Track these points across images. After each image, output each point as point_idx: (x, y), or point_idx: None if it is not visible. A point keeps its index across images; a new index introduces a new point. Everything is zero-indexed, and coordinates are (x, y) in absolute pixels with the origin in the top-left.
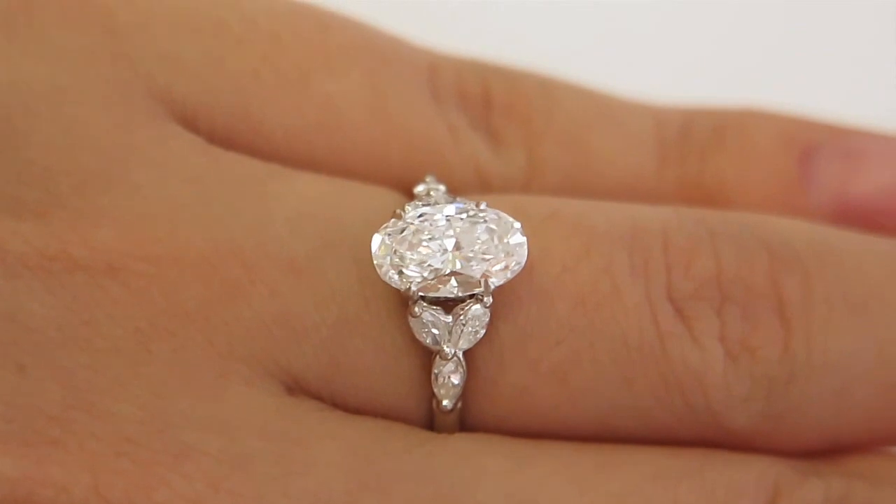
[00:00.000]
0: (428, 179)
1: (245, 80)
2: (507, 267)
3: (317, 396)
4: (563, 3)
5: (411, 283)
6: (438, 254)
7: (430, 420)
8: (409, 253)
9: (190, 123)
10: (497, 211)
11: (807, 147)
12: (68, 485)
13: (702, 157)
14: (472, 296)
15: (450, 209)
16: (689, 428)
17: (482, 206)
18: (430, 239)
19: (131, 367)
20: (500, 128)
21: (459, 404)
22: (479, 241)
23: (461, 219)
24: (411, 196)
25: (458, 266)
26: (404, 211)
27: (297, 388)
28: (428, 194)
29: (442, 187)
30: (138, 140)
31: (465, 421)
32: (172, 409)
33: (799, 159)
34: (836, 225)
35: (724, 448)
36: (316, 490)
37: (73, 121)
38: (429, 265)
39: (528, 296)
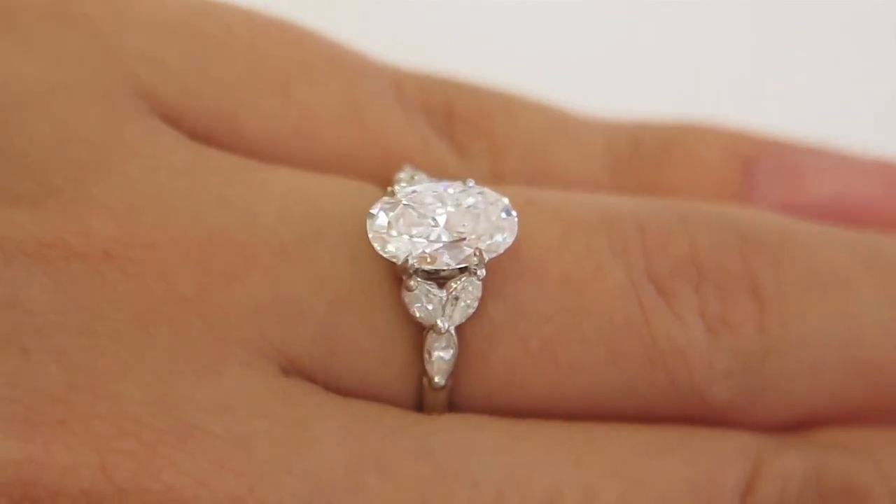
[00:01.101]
0: (407, 168)
1: (229, 86)
2: (498, 240)
3: (310, 378)
4: (517, 21)
5: (406, 255)
6: (431, 228)
7: (420, 402)
8: (402, 227)
9: (173, 123)
10: (484, 188)
11: (748, 160)
12: (74, 466)
13: (652, 169)
14: (464, 269)
15: (439, 186)
16: (672, 404)
17: (470, 183)
18: (422, 214)
19: (132, 349)
20: (463, 139)
21: (450, 382)
22: (469, 216)
23: (451, 194)
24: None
25: (451, 239)
26: (395, 189)
27: (292, 369)
28: (412, 179)
29: (423, 174)
30: (127, 133)
31: (454, 401)
32: (175, 391)
33: (741, 171)
34: None
35: (705, 423)
36: (318, 470)
37: (63, 116)
38: (422, 239)
39: (516, 274)
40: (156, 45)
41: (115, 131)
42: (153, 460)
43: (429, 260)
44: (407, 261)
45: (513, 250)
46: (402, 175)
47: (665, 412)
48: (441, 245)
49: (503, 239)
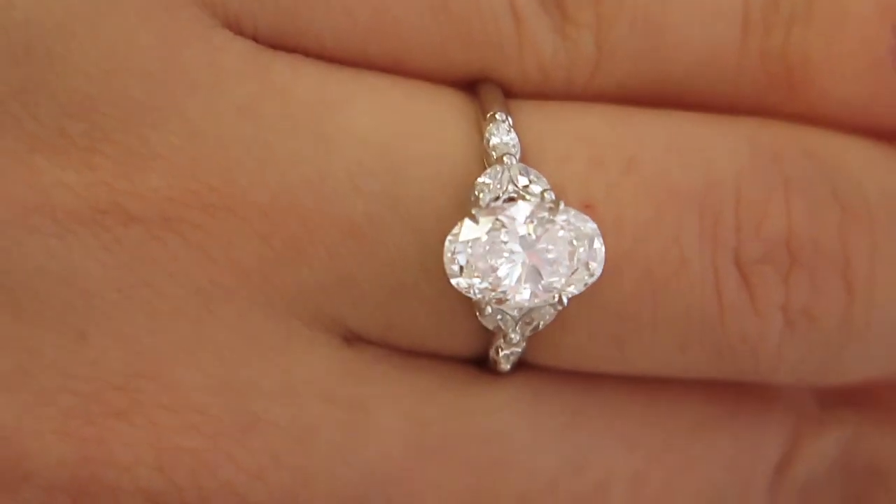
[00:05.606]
0: (498, 116)
1: None
2: (583, 275)
3: (372, 343)
4: None
5: (481, 296)
6: (511, 265)
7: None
8: (479, 263)
9: (234, 27)
10: (575, 212)
11: None
12: (132, 465)
13: (788, 28)
14: None
15: (524, 210)
16: (732, 377)
17: (561, 207)
18: (502, 249)
19: (195, 330)
20: (571, 9)
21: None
22: (554, 248)
23: (536, 224)
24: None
25: (531, 279)
26: (477, 193)
27: (352, 338)
28: (500, 160)
29: (513, 138)
30: (186, 58)
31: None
32: (239, 377)
33: (895, 29)
34: None
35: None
36: (375, 460)
37: (114, 41)
38: (499, 278)
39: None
40: None
41: (173, 55)
42: (213, 456)
43: (504, 300)
44: (481, 302)
45: None
46: (490, 130)
47: (723, 379)
48: (517, 286)
49: (589, 272)
